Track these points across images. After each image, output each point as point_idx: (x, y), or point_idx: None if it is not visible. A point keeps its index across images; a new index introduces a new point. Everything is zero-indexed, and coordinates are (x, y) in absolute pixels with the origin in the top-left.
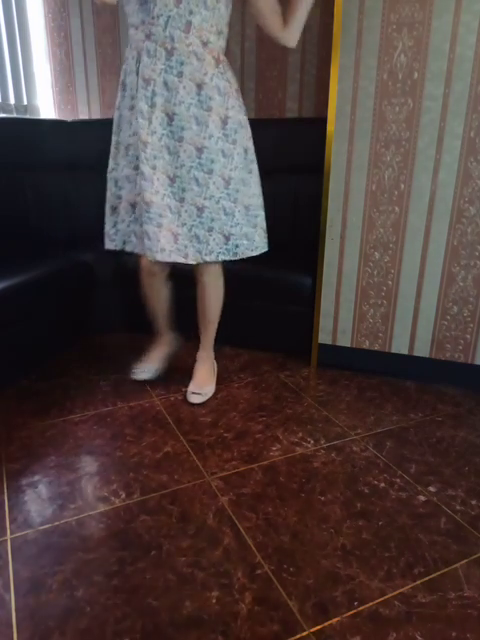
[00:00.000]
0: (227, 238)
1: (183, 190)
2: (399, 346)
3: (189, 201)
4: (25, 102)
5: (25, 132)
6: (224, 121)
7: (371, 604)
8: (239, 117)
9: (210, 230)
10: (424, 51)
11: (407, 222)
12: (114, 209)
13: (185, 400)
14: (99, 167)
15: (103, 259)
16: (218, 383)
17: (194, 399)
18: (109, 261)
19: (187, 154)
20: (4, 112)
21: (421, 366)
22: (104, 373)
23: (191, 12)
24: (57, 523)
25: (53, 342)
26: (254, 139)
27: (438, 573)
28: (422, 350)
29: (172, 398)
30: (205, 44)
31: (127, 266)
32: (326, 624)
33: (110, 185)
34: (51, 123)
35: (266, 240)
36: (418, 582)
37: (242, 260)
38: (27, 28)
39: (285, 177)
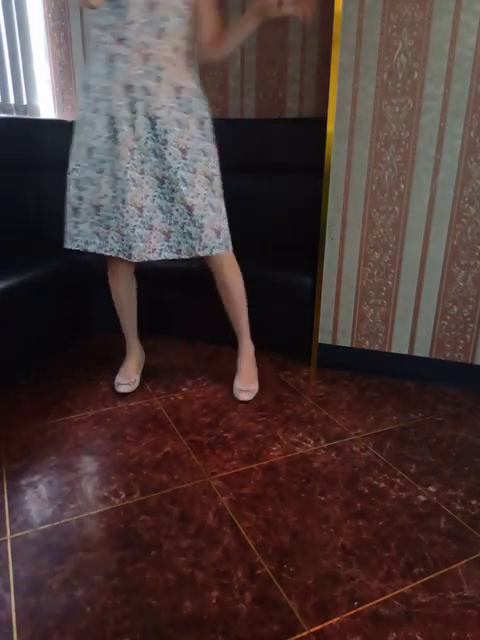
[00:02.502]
0: (218, 233)
1: (172, 190)
2: (399, 346)
3: (179, 200)
4: (25, 102)
5: (25, 132)
6: (201, 122)
7: (371, 604)
8: (210, 117)
9: (201, 227)
10: (424, 51)
11: (407, 222)
12: (75, 210)
13: (232, 397)
14: None
15: (103, 259)
16: (218, 383)
17: (244, 396)
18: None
19: (173, 156)
20: (4, 112)
21: (421, 366)
22: (104, 373)
23: (163, 19)
24: (57, 523)
25: (53, 342)
26: (254, 139)
27: (438, 573)
28: (422, 350)
29: (172, 398)
30: (176, 49)
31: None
32: (326, 624)
33: (70, 186)
34: (51, 123)
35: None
36: (418, 582)
37: (242, 260)
38: (27, 28)
39: (285, 177)
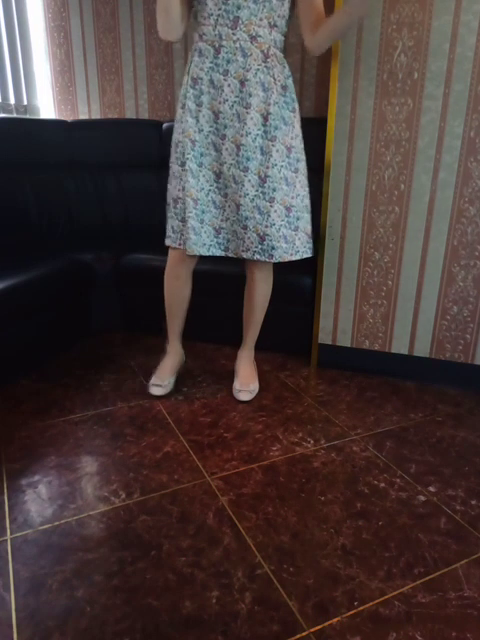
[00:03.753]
0: (262, 238)
1: (225, 186)
2: (399, 346)
3: (230, 197)
4: (25, 102)
5: (25, 132)
6: (265, 118)
7: (371, 604)
8: (282, 113)
9: (245, 228)
10: (424, 51)
11: (407, 222)
12: (168, 206)
13: (232, 397)
14: (99, 167)
15: (103, 259)
16: (218, 383)
17: (243, 396)
18: (109, 261)
19: (228, 151)
20: (4, 112)
21: (421, 366)
22: (104, 373)
23: (238, 7)
24: (57, 523)
25: (53, 342)
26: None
27: (438, 573)
28: (422, 350)
29: (172, 398)
30: (254, 38)
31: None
32: (326, 624)
33: (168, 183)
34: (51, 123)
35: (310, 245)
36: (418, 582)
37: (242, 260)
38: (27, 28)
39: None
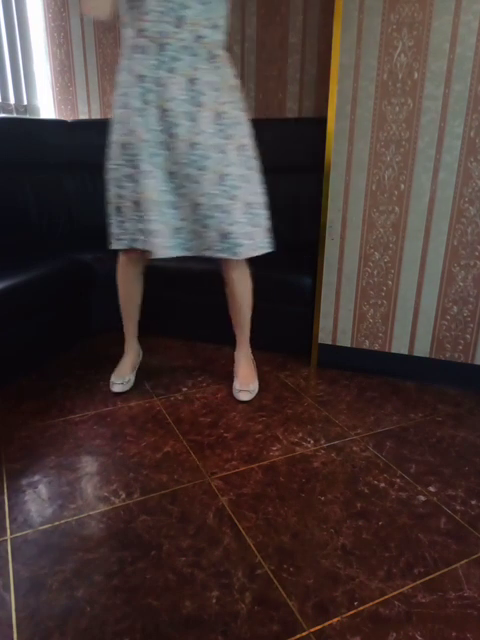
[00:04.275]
0: (224, 236)
1: (181, 186)
2: (399, 346)
3: (186, 197)
4: (25, 102)
5: (25, 132)
6: (218, 116)
7: (371, 604)
8: (235, 113)
9: (205, 227)
10: (424, 51)
11: (407, 222)
12: (119, 209)
13: (232, 397)
14: (99, 167)
15: (103, 259)
16: (218, 383)
17: (243, 396)
18: (109, 261)
19: (180, 150)
20: (4, 112)
21: (421, 366)
22: (104, 373)
23: (183, 6)
24: (57, 523)
25: (53, 342)
26: (254, 139)
27: (438, 573)
28: (422, 350)
29: (172, 398)
30: (199, 38)
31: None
32: (326, 624)
33: (111, 185)
34: (51, 123)
35: (269, 240)
36: (418, 582)
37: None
38: (27, 28)
39: (285, 177)
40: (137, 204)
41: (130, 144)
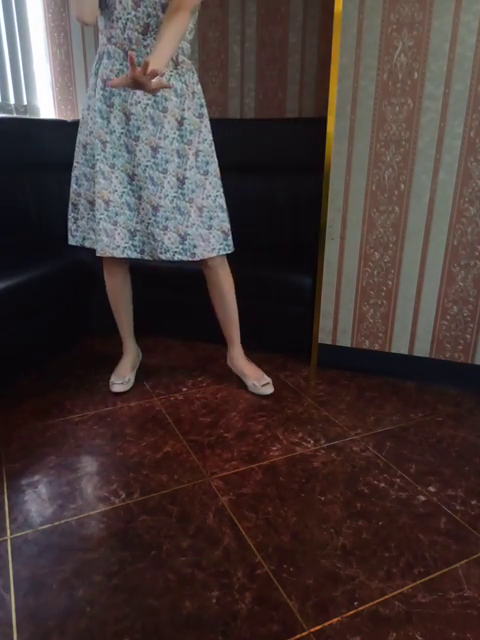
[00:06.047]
0: (183, 238)
1: (140, 188)
2: (399, 346)
3: (145, 199)
4: (25, 102)
5: (25, 132)
6: (180, 122)
7: (371, 604)
8: (194, 119)
9: (165, 229)
10: (424, 51)
11: (407, 222)
12: (74, 206)
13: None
14: None
15: (100, 258)
16: (218, 383)
17: (268, 389)
18: None
19: (143, 153)
20: (4, 112)
21: (421, 366)
22: (104, 373)
23: (149, 15)
24: (57, 523)
25: (53, 342)
26: (254, 139)
27: (438, 573)
28: (422, 350)
29: (172, 398)
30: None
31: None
32: (326, 624)
33: (72, 182)
34: (51, 123)
35: (227, 242)
36: (418, 582)
37: (242, 260)
38: (27, 28)
39: (285, 177)
40: (92, 203)
41: (89, 144)
